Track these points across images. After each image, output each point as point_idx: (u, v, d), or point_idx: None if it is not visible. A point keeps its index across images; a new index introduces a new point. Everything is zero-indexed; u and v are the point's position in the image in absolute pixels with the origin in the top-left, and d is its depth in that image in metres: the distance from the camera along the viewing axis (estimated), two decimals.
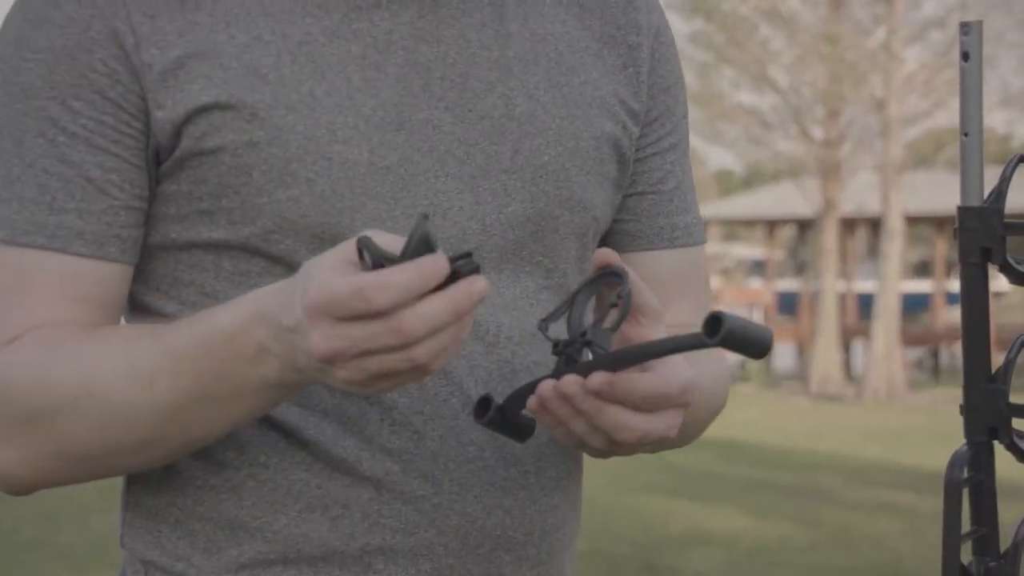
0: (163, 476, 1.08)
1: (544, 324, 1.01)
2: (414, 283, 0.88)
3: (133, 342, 1.02)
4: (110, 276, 1.05)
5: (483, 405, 1.00)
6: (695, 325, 1.19)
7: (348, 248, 0.91)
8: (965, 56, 0.95)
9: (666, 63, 1.19)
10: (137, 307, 1.10)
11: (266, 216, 1.03)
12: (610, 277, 0.99)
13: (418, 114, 1.06)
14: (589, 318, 1.02)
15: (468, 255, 0.90)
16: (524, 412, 1.00)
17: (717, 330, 0.90)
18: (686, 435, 1.14)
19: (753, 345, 0.91)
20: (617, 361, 0.96)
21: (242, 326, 0.96)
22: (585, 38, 1.15)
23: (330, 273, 0.90)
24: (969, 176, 0.97)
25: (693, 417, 1.12)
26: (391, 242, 0.91)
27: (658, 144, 1.18)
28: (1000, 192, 0.96)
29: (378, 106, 1.05)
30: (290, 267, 1.03)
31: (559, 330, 1.02)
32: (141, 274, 1.09)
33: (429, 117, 1.06)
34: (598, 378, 0.94)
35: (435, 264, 0.88)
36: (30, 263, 1.03)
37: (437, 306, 0.88)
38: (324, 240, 1.03)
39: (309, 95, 1.04)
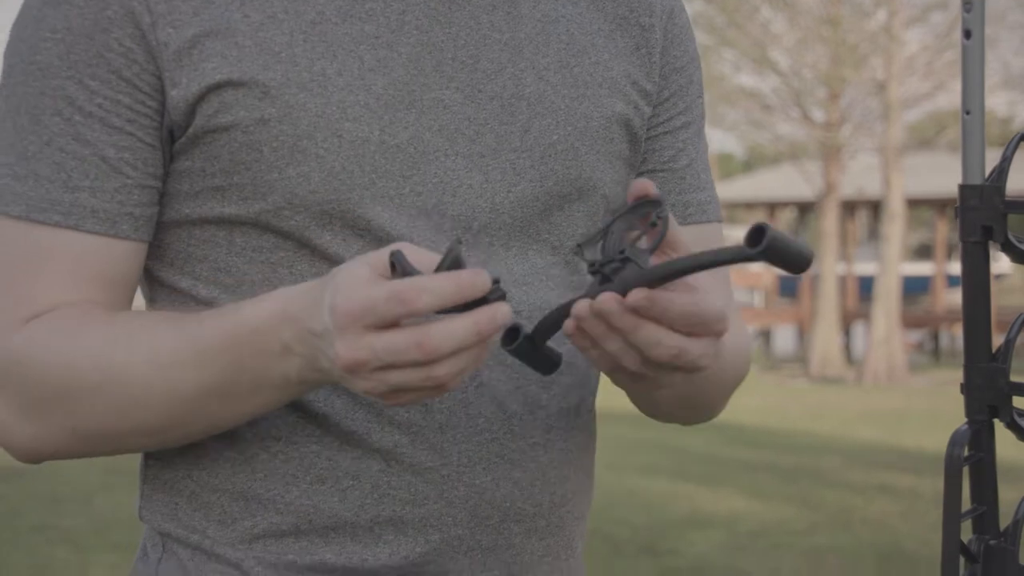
0: (179, 450, 1.10)
1: (579, 249, 1.01)
2: (450, 292, 0.90)
3: (155, 330, 1.03)
4: (123, 254, 1.07)
5: (512, 333, 0.99)
6: (724, 304, 1.20)
7: (380, 260, 0.93)
8: (967, 34, 0.95)
9: (680, 43, 1.20)
10: (152, 281, 1.12)
11: (277, 192, 1.05)
12: (647, 207, 0.99)
13: (429, 93, 1.07)
14: (624, 243, 1.01)
15: (496, 282, 0.92)
16: (550, 346, 1.00)
17: (760, 240, 0.89)
18: (711, 395, 1.15)
19: (795, 259, 0.91)
20: (656, 276, 0.95)
21: (268, 322, 0.98)
22: (597, 19, 1.16)
23: (364, 283, 0.92)
24: (971, 154, 0.97)
25: (721, 377, 1.14)
26: (423, 259, 0.93)
27: (670, 123, 1.19)
28: (1002, 170, 0.96)
29: (389, 85, 1.06)
30: (300, 243, 1.06)
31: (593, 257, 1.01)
32: (156, 249, 1.10)
33: (440, 97, 1.08)
34: (638, 294, 0.94)
35: (474, 278, 0.91)
36: (45, 239, 1.05)
37: (463, 325, 0.90)
38: (333, 216, 1.05)
39: (321, 73, 1.05)
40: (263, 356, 0.98)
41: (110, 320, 1.05)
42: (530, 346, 0.99)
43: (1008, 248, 0.98)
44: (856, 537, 6.68)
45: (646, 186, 0.99)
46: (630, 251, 0.96)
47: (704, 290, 0.97)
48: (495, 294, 0.91)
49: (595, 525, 6.59)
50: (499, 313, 0.91)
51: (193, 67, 1.04)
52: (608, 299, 0.95)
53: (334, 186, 1.05)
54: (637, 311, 0.94)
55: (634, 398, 1.15)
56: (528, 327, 1.00)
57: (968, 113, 0.96)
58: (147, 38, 1.04)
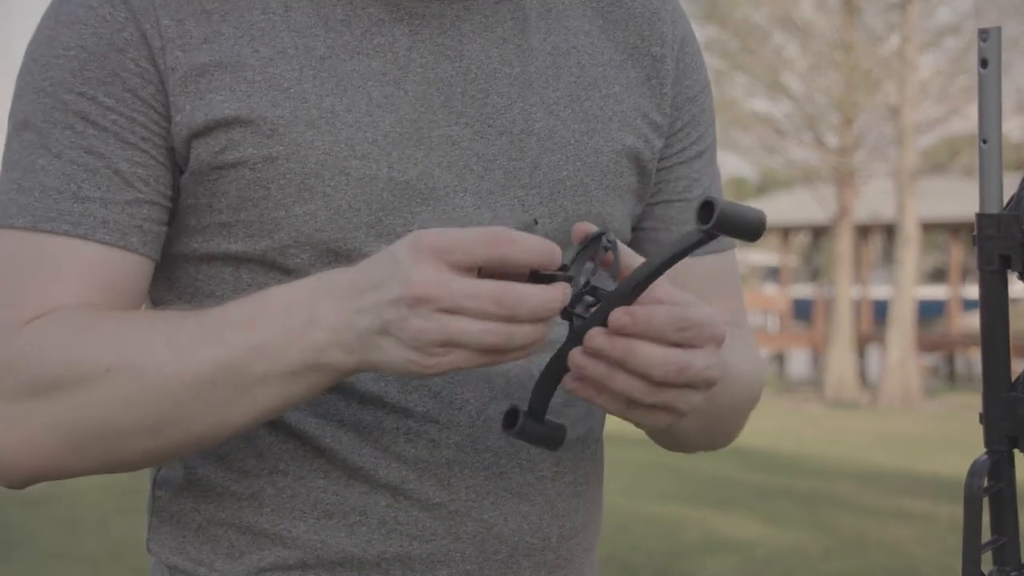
0: (186, 483, 1.09)
1: None
2: (536, 251, 0.92)
3: (175, 315, 1.02)
4: (132, 266, 1.06)
5: (511, 417, 0.98)
6: (735, 323, 1.20)
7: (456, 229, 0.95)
8: (984, 63, 0.95)
9: (692, 73, 1.19)
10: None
11: (283, 230, 1.04)
12: (595, 243, 0.98)
13: (438, 130, 1.07)
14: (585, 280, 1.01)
15: (565, 266, 0.93)
16: (551, 419, 0.99)
17: (710, 216, 0.89)
18: (728, 421, 1.15)
19: (747, 227, 0.90)
20: (626, 290, 0.93)
21: (295, 299, 0.97)
22: (608, 50, 1.15)
23: (450, 229, 0.93)
24: (988, 183, 0.97)
25: (736, 398, 1.13)
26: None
27: (683, 153, 1.18)
28: (1020, 199, 0.96)
29: (397, 121, 1.06)
30: None
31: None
32: (165, 282, 1.10)
33: (449, 133, 1.07)
34: (618, 314, 0.93)
35: (553, 248, 0.93)
36: (53, 248, 1.04)
37: (544, 292, 0.91)
38: (339, 255, 1.04)
39: (330, 110, 1.04)
40: (283, 334, 0.96)
41: (125, 312, 1.03)
42: (533, 424, 0.98)
43: None
44: (871, 562, 6.64)
45: (585, 226, 0.98)
46: (594, 281, 0.95)
47: (692, 302, 0.96)
48: (564, 275, 0.93)
49: (609, 551, 6.57)
50: (568, 290, 0.92)
51: (199, 96, 1.04)
52: (595, 335, 0.93)
53: (340, 224, 1.04)
54: (625, 333, 0.93)
55: (655, 435, 1.13)
56: (523, 405, 0.98)
57: (985, 142, 0.96)
58: (156, 61, 1.04)
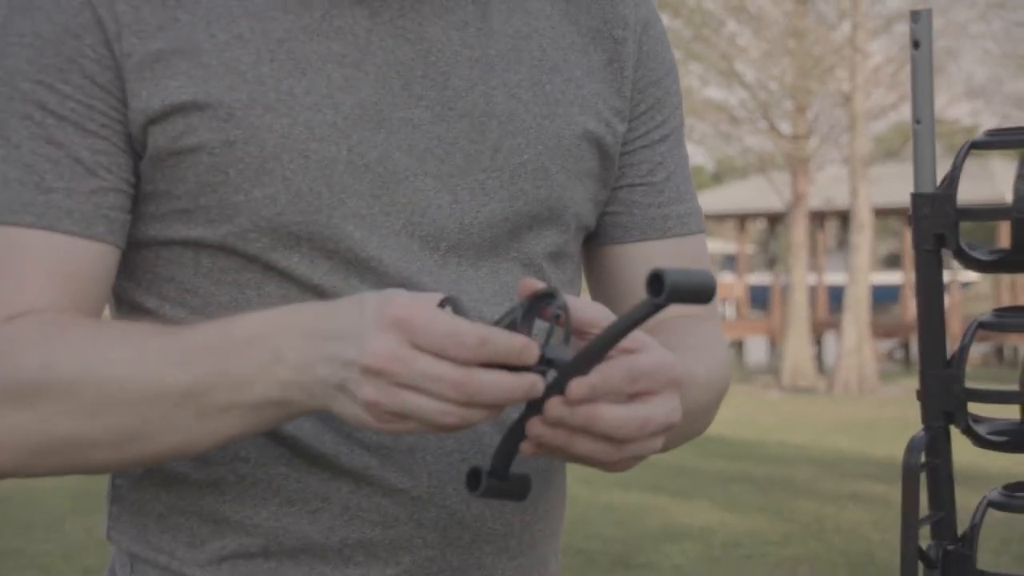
0: (146, 471, 1.09)
1: None
2: (508, 351, 0.89)
3: (145, 331, 1.01)
4: (99, 256, 1.05)
5: (474, 478, 0.96)
6: (698, 316, 1.20)
7: (431, 297, 0.92)
8: (916, 44, 0.96)
9: (655, 56, 1.19)
10: (120, 301, 1.11)
11: (243, 215, 1.04)
12: (544, 300, 0.96)
13: (398, 112, 1.06)
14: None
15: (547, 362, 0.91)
16: (514, 472, 0.97)
17: (661, 288, 0.89)
18: (697, 421, 1.14)
19: (699, 293, 0.90)
20: (583, 362, 0.93)
21: (263, 331, 0.96)
22: (571, 33, 1.15)
23: (426, 306, 0.91)
24: (922, 163, 0.98)
25: (698, 402, 1.12)
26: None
27: (647, 137, 1.18)
28: (952, 179, 0.97)
29: (357, 104, 1.05)
30: (265, 265, 1.04)
31: None
32: (122, 269, 1.09)
33: (409, 116, 1.07)
34: (576, 386, 0.91)
35: (528, 347, 0.90)
36: (19, 241, 1.03)
37: (506, 382, 0.89)
38: (301, 238, 1.04)
39: (288, 93, 1.04)
40: (249, 365, 0.95)
41: (98, 322, 1.03)
42: (496, 483, 0.96)
43: (960, 255, 0.99)
44: (829, 546, 6.69)
45: (531, 283, 0.96)
46: (547, 351, 0.93)
47: (644, 347, 0.95)
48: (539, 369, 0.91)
49: (569, 539, 6.59)
50: (537, 385, 0.90)
51: (155, 82, 1.03)
52: (555, 405, 0.92)
53: (301, 207, 1.04)
54: (584, 401, 0.92)
55: None
56: (486, 464, 0.97)
57: (919, 122, 0.97)
58: (112, 46, 1.03)
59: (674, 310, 1.19)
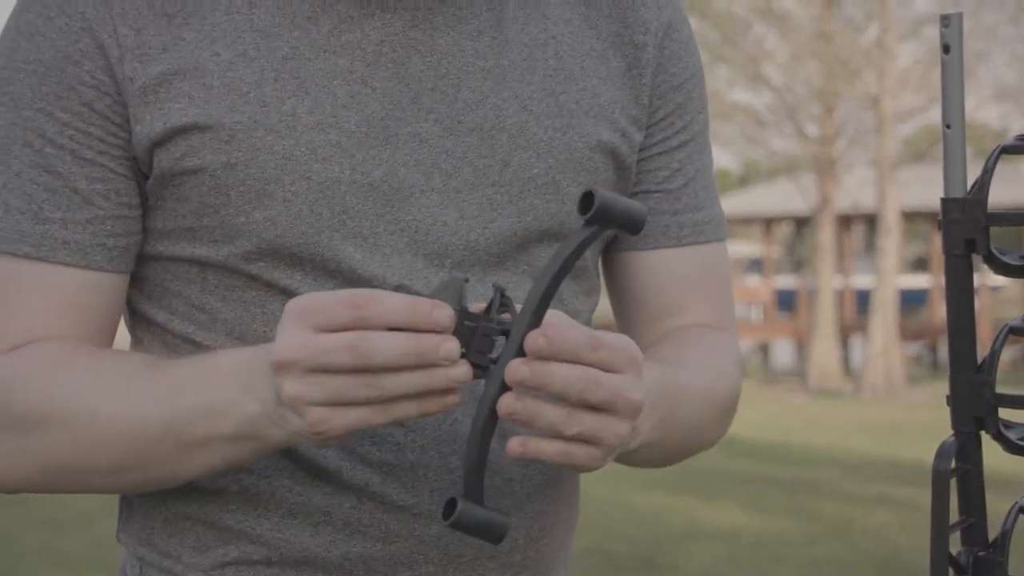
0: None
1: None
2: (403, 311, 0.90)
3: (134, 369, 1.03)
4: (99, 285, 1.06)
5: (449, 506, 0.95)
6: (711, 326, 1.18)
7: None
8: (946, 48, 0.96)
9: (678, 60, 1.16)
10: (133, 313, 1.12)
11: (245, 236, 1.04)
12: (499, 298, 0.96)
13: (405, 127, 1.05)
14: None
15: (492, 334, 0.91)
16: (493, 509, 0.95)
17: (590, 206, 0.89)
18: (695, 435, 1.12)
19: (628, 218, 0.90)
20: (529, 310, 0.92)
21: (243, 360, 0.98)
22: (590, 39, 1.13)
23: (323, 293, 0.93)
24: (952, 168, 0.97)
25: (694, 415, 1.10)
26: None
27: (666, 143, 1.16)
28: (983, 183, 0.96)
29: (363, 121, 1.04)
30: (268, 284, 1.05)
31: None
32: (135, 281, 1.10)
33: (417, 130, 1.06)
34: (533, 337, 0.91)
35: (433, 309, 0.90)
36: (17, 271, 1.04)
37: (402, 337, 0.90)
38: (303, 260, 1.04)
39: (290, 113, 1.03)
40: (223, 399, 0.97)
41: (92, 357, 1.04)
42: (471, 508, 0.94)
43: (991, 260, 0.98)
44: (855, 548, 6.67)
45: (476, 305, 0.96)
46: (484, 327, 0.92)
47: (604, 334, 0.95)
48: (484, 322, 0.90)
49: (593, 540, 6.58)
50: (446, 342, 0.90)
51: (159, 106, 1.03)
52: (515, 367, 0.91)
53: (302, 229, 1.03)
54: (542, 356, 0.91)
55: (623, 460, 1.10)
56: (459, 491, 0.95)
57: (949, 127, 0.97)
58: (115, 72, 1.03)
59: (687, 318, 1.19)
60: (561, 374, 0.92)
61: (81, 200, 1.04)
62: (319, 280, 1.04)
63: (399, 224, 1.05)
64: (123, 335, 1.14)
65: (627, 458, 1.04)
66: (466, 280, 0.93)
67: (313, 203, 1.03)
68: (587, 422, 0.94)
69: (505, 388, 0.92)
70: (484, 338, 0.92)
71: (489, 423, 0.93)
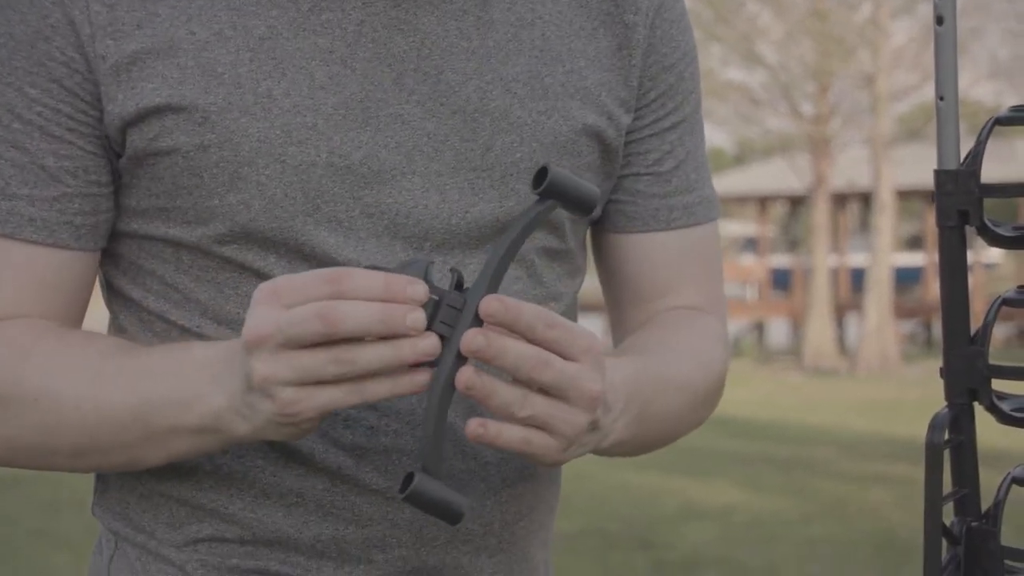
0: None
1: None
2: (377, 286, 0.90)
3: (106, 352, 1.03)
4: (66, 263, 1.05)
5: (407, 481, 0.93)
6: (698, 308, 1.17)
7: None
8: (939, 20, 0.96)
9: (669, 40, 1.14)
10: (110, 288, 1.11)
11: (217, 219, 1.03)
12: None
13: (386, 109, 1.03)
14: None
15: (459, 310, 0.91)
16: (452, 490, 0.94)
17: (543, 181, 0.89)
18: (672, 424, 1.11)
19: (579, 196, 0.91)
20: (485, 278, 0.92)
21: (213, 353, 0.98)
22: (579, 18, 1.10)
23: (294, 274, 0.93)
24: (945, 140, 0.97)
25: (670, 405, 1.09)
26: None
27: (656, 125, 1.14)
28: (976, 155, 0.97)
29: (341, 103, 1.03)
30: (241, 267, 1.04)
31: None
32: (111, 257, 1.09)
33: (398, 112, 1.04)
34: (488, 301, 0.91)
35: (407, 284, 0.90)
36: None
37: (371, 305, 0.89)
38: (276, 244, 1.03)
39: (266, 95, 1.02)
40: (189, 389, 0.97)
41: (60, 339, 1.04)
42: (428, 482, 0.92)
43: (984, 232, 0.98)
44: (850, 526, 6.69)
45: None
46: (448, 297, 0.92)
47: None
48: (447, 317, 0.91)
49: (588, 520, 6.60)
50: (412, 311, 0.89)
51: (131, 85, 1.02)
52: (470, 336, 0.90)
53: (275, 213, 1.02)
54: (496, 322, 0.91)
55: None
56: (417, 465, 0.94)
57: (942, 99, 0.97)
58: (86, 49, 1.02)
59: (675, 300, 1.18)
60: (514, 348, 0.91)
61: (48, 177, 1.03)
62: (293, 263, 1.03)
63: (378, 207, 1.03)
64: (100, 313, 1.14)
65: (600, 450, 1.04)
66: (431, 262, 0.93)
67: (287, 187, 1.02)
68: (539, 405, 0.93)
69: (462, 361, 0.92)
70: (448, 309, 0.93)
71: (446, 393, 0.93)
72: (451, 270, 0.94)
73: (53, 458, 1.04)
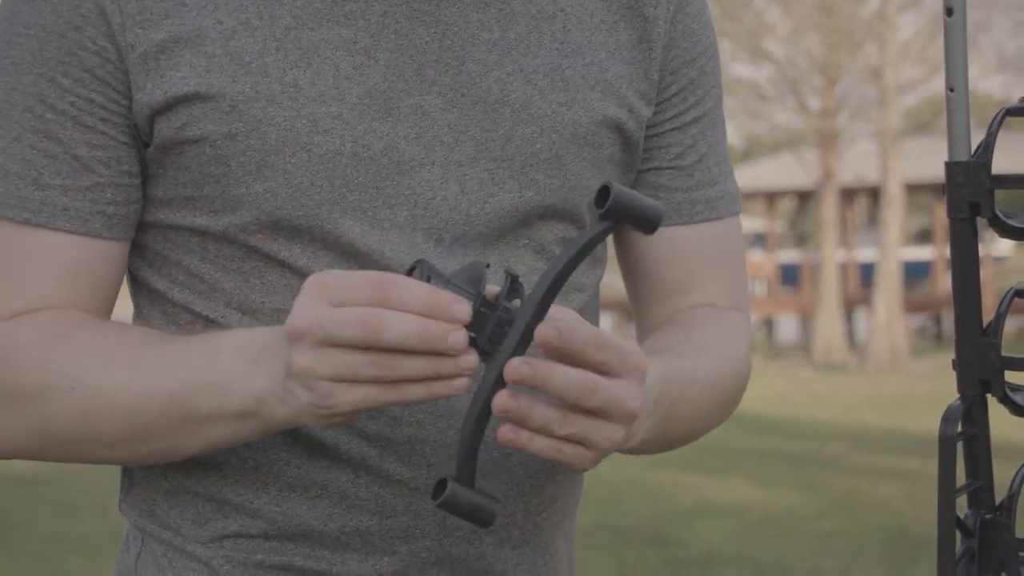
0: None
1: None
2: (422, 299, 0.90)
3: (143, 340, 1.03)
4: (98, 252, 1.06)
5: (439, 487, 0.93)
6: (725, 305, 1.17)
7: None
8: (949, 11, 0.95)
9: (690, 35, 1.15)
10: (134, 280, 1.12)
11: (244, 208, 1.04)
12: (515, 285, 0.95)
13: (407, 100, 1.04)
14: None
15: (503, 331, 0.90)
16: (484, 489, 0.95)
17: (605, 200, 0.88)
18: (698, 422, 1.12)
19: (644, 215, 0.89)
20: (536, 299, 0.91)
21: (253, 338, 0.98)
22: (600, 11, 1.11)
23: (346, 271, 0.93)
24: (956, 131, 0.97)
25: (697, 404, 1.10)
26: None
27: (678, 119, 1.15)
28: (987, 146, 0.96)
29: (364, 93, 1.03)
30: (267, 256, 1.04)
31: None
32: (136, 249, 1.10)
33: (420, 103, 1.04)
34: (544, 328, 0.90)
35: (452, 303, 0.90)
36: (17, 236, 1.04)
37: (414, 319, 0.89)
38: (302, 231, 1.03)
39: (293, 84, 1.03)
40: (229, 373, 0.97)
41: (96, 329, 1.04)
42: (462, 491, 0.93)
43: (996, 223, 0.98)
44: (863, 521, 6.68)
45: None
46: (497, 314, 0.91)
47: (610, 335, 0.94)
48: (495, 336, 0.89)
49: (603, 516, 6.60)
50: (455, 332, 0.89)
51: (160, 74, 1.02)
52: (515, 365, 0.90)
53: (301, 202, 1.03)
54: (551, 347, 0.90)
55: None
56: (452, 470, 0.94)
57: (952, 90, 0.97)
58: (117, 38, 1.02)
59: (699, 298, 1.18)
60: (561, 376, 0.91)
61: (81, 167, 1.04)
62: (317, 253, 1.04)
63: (399, 198, 1.04)
64: (126, 306, 1.15)
65: (624, 448, 1.04)
66: (487, 266, 0.92)
67: (314, 176, 1.03)
68: (580, 424, 0.93)
69: (503, 381, 0.92)
70: (497, 328, 0.92)
71: (484, 413, 0.92)
72: (506, 272, 0.93)
73: (91, 448, 1.04)
